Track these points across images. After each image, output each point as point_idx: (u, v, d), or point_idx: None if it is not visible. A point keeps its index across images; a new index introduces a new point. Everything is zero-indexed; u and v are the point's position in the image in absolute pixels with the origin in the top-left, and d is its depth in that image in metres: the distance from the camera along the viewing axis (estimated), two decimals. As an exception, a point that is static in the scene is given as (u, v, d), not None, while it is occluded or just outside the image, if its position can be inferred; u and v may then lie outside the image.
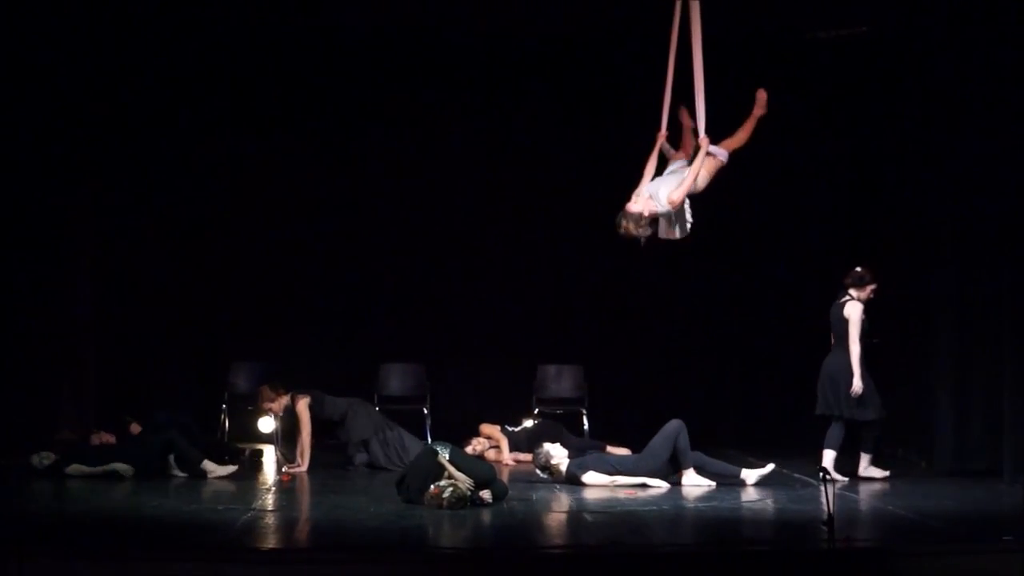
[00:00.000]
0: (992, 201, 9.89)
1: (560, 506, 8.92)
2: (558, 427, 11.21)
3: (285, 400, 10.57)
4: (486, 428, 11.02)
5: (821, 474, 7.48)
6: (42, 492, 9.42)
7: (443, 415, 11.82)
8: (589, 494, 9.35)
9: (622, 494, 9.34)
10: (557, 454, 9.79)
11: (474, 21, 11.52)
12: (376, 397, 11.89)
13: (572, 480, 9.65)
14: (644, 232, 8.95)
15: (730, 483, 9.62)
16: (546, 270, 12.50)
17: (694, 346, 12.53)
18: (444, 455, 8.87)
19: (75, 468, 9.95)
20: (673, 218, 9.05)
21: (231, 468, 10.20)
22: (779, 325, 12.43)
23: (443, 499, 8.56)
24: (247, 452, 11.04)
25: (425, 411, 11.89)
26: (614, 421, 11.67)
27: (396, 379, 12.14)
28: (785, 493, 9.38)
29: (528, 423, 11.34)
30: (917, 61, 10.98)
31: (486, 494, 8.79)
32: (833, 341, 10.15)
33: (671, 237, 9.14)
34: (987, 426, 10.00)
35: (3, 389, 11.10)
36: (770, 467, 9.73)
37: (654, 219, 8.98)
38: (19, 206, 11.20)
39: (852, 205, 12.51)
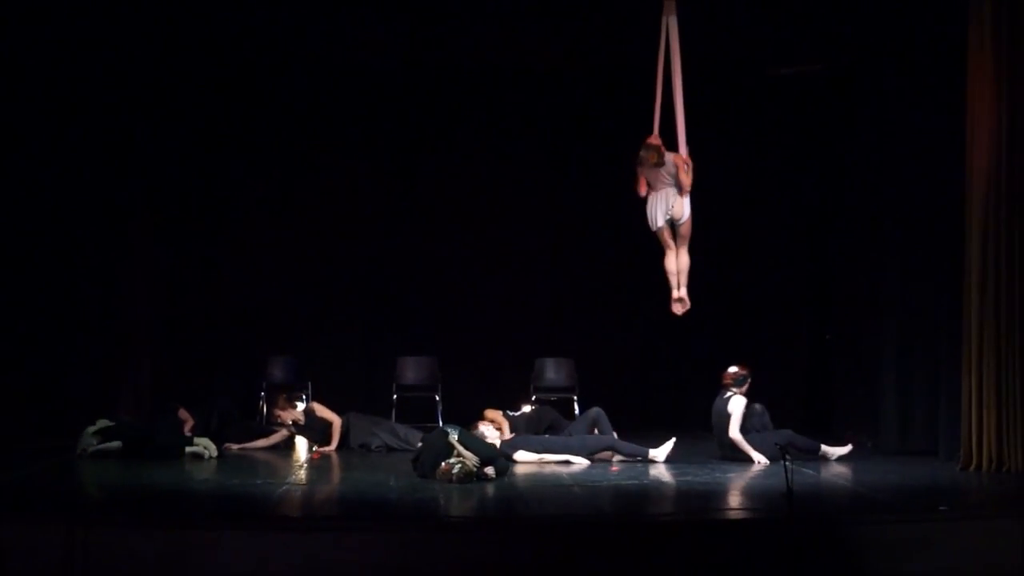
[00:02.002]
0: (931, 213, 9.92)
1: (554, 481, 8.95)
2: (553, 412, 11.21)
3: (296, 413, 10.60)
4: (490, 413, 10.99)
5: (782, 453, 7.50)
6: (103, 469, 9.43)
7: (453, 401, 11.83)
8: (580, 470, 9.38)
9: (612, 469, 9.39)
10: (491, 435, 9.88)
11: (485, 54, 11.56)
12: (394, 386, 11.92)
13: (505, 457, 9.67)
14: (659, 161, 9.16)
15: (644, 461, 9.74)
16: (543, 276, 12.53)
17: (673, 340, 12.54)
18: (453, 436, 8.89)
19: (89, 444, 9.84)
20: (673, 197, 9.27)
21: (214, 449, 10.07)
22: (751, 318, 12.47)
23: (452, 474, 8.58)
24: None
25: (437, 398, 11.91)
26: (602, 407, 11.67)
27: (411, 370, 12.15)
28: (751, 469, 9.41)
29: (527, 408, 11.34)
30: (866, 94, 11.02)
31: (490, 470, 8.82)
32: (714, 433, 9.94)
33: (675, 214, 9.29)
34: (927, 412, 10.01)
35: (70, 378, 11.14)
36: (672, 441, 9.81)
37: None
38: (84, 216, 11.24)
39: (808, 215, 12.53)
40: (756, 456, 9.66)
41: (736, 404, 9.80)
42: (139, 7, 10.41)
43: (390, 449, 10.46)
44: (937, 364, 9.76)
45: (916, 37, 10.00)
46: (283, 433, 10.59)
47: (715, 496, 8.36)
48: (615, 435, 10.03)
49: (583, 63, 11.85)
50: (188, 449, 9.94)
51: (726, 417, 9.80)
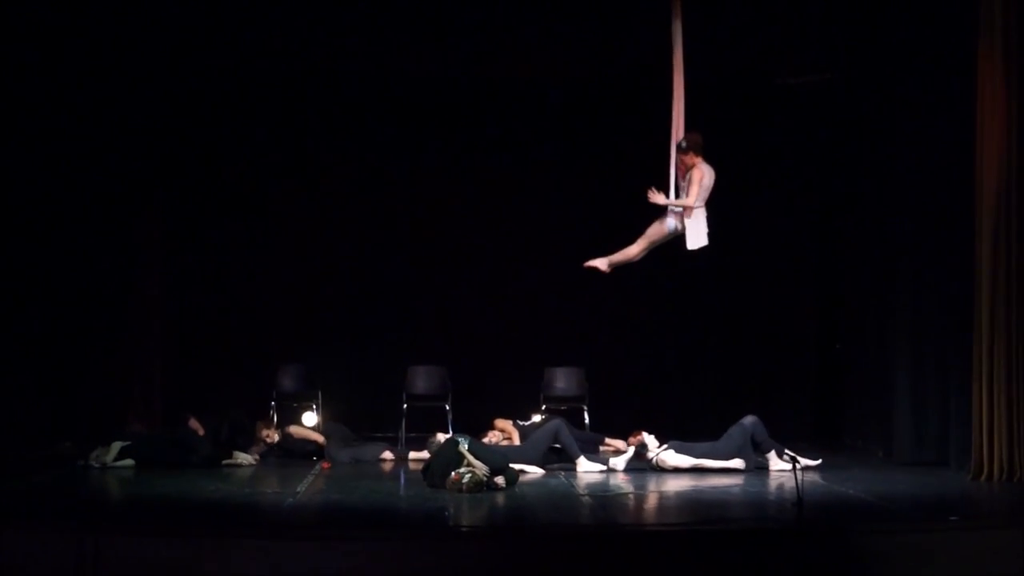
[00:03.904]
0: (941, 221, 9.88)
1: (564, 490, 8.94)
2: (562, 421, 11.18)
3: (277, 434, 10.67)
4: (500, 422, 11.00)
5: (792, 462, 7.48)
6: (115, 478, 9.44)
7: (463, 411, 11.81)
8: (589, 480, 9.35)
9: (620, 480, 9.39)
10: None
11: (495, 63, 11.58)
12: (405, 395, 11.91)
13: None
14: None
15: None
16: (552, 286, 12.49)
17: (680, 350, 12.56)
18: (464, 446, 8.89)
19: (96, 458, 9.81)
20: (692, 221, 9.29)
21: (250, 458, 10.19)
22: (760, 329, 12.47)
23: (463, 484, 8.58)
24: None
25: (447, 407, 11.89)
26: (611, 416, 11.67)
27: (422, 379, 12.14)
28: (761, 479, 9.39)
29: (536, 418, 11.31)
30: (875, 103, 11.01)
31: (500, 480, 8.82)
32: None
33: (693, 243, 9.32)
34: (938, 422, 9.96)
35: (81, 387, 11.17)
36: (631, 451, 9.88)
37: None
38: (94, 226, 11.28)
39: (818, 225, 12.54)
40: (733, 465, 9.63)
41: (668, 459, 9.70)
42: (151, 9, 10.43)
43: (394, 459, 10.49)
44: (948, 374, 9.72)
45: (925, 45, 9.97)
46: (261, 448, 10.56)
47: (725, 505, 8.32)
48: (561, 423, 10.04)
49: (595, 72, 11.85)
50: (225, 461, 10.01)
51: (682, 467, 9.69)
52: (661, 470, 9.68)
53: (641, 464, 9.82)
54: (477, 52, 11.36)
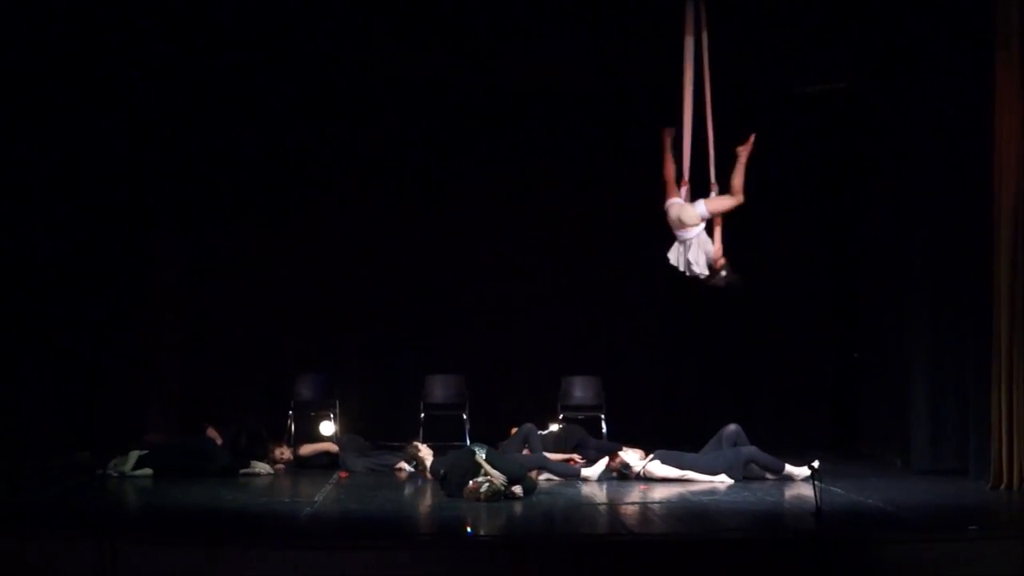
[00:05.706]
0: (959, 228, 9.84)
1: (580, 500, 8.92)
2: (580, 430, 11.13)
3: (289, 452, 10.69)
4: (517, 431, 10.98)
5: (812, 472, 7.44)
6: (133, 487, 9.46)
7: (480, 420, 11.82)
8: (605, 491, 9.33)
9: (638, 489, 9.37)
10: (424, 451, 9.86)
11: (514, 72, 11.58)
12: (422, 404, 11.91)
13: (436, 475, 9.41)
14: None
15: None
16: (570, 294, 12.51)
17: (698, 359, 12.54)
18: (481, 455, 8.88)
19: (115, 467, 9.83)
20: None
21: (268, 467, 10.20)
22: (778, 338, 12.45)
23: (480, 493, 8.57)
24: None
25: (464, 416, 11.90)
26: (628, 425, 11.65)
27: (440, 388, 12.14)
28: (779, 489, 9.36)
29: (554, 427, 11.29)
30: (891, 112, 10.98)
31: (518, 489, 8.80)
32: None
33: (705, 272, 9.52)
34: (957, 430, 9.91)
35: (101, 398, 11.21)
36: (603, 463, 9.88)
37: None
38: (111, 235, 11.33)
39: (835, 233, 12.52)
40: (719, 480, 9.62)
41: (655, 469, 9.72)
42: (167, 14, 10.47)
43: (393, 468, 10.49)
44: (966, 382, 9.67)
45: (941, 54, 9.94)
46: (280, 467, 10.55)
47: (743, 515, 8.30)
48: (545, 455, 10.02)
49: (614, 81, 11.85)
50: (243, 470, 10.01)
51: (670, 478, 9.70)
52: (649, 480, 9.70)
53: (628, 479, 9.81)
54: (497, 60, 11.34)
